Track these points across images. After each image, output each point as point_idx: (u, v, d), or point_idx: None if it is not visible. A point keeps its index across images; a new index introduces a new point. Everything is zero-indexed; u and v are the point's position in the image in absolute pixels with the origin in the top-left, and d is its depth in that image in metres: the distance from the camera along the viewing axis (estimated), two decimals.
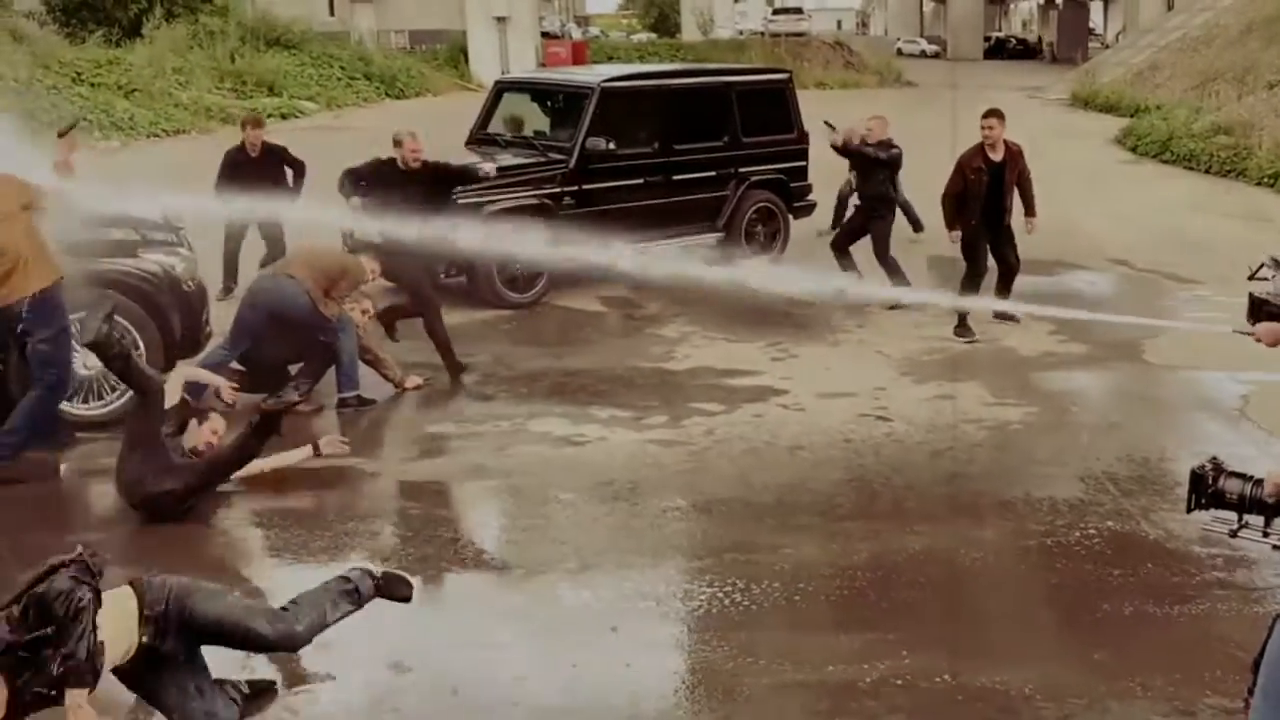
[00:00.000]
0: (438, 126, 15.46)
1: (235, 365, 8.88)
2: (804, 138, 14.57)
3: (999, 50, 76.61)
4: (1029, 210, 11.17)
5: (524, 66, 40.63)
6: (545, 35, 53.95)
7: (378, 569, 5.47)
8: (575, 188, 12.33)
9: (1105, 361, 10.52)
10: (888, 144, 12.40)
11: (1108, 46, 60.88)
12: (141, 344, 8.44)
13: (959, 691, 5.24)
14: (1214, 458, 4.65)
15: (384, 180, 10.30)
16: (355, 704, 5.18)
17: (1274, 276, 5.98)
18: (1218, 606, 6.07)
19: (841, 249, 12.52)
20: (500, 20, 45.56)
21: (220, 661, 4.94)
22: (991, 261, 11.14)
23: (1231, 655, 5.26)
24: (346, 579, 5.20)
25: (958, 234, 10.95)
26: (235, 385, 8.01)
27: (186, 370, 7.53)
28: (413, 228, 9.14)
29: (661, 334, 11.06)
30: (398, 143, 10.37)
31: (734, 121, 13.83)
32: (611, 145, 12.55)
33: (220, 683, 4.86)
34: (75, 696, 4.10)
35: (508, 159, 12.56)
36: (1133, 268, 14.05)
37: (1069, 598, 6.25)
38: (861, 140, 12.34)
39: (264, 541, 6.89)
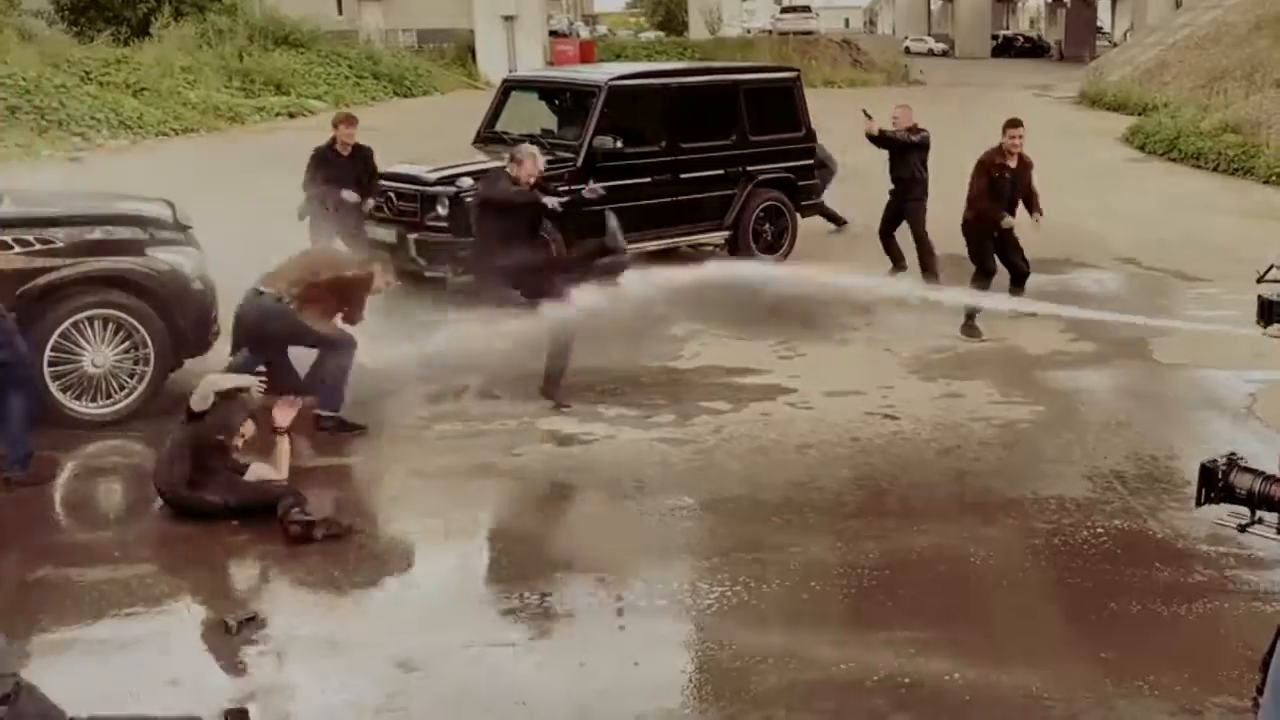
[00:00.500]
0: (445, 125, 15.47)
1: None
2: (811, 136, 14.57)
3: (1007, 48, 76.53)
4: (1034, 209, 11.23)
5: (532, 65, 40.58)
6: (553, 34, 53.86)
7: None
8: (582, 185, 12.30)
9: (1113, 360, 10.52)
10: (916, 129, 12.90)
11: (1115, 45, 60.76)
12: (150, 342, 8.46)
13: (966, 690, 5.24)
14: (1232, 453, 4.65)
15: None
16: (364, 703, 5.19)
17: None
18: (1226, 605, 6.07)
19: (887, 235, 13.23)
20: (508, 19, 45.51)
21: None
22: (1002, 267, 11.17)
23: (1240, 654, 5.25)
24: None
25: (1011, 220, 11.00)
26: (264, 383, 7.84)
27: (214, 378, 7.42)
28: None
29: (669, 332, 11.06)
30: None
31: (741, 120, 13.82)
32: (619, 144, 12.54)
33: None
34: None
35: None
36: (1140, 266, 14.03)
37: (1076, 596, 6.25)
38: (882, 129, 12.84)
39: (279, 543, 6.88)
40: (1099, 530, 6.93)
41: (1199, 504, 4.74)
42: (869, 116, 12.72)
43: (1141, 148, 25.98)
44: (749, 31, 65.50)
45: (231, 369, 8.28)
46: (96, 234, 8.55)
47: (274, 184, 13.85)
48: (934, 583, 6.38)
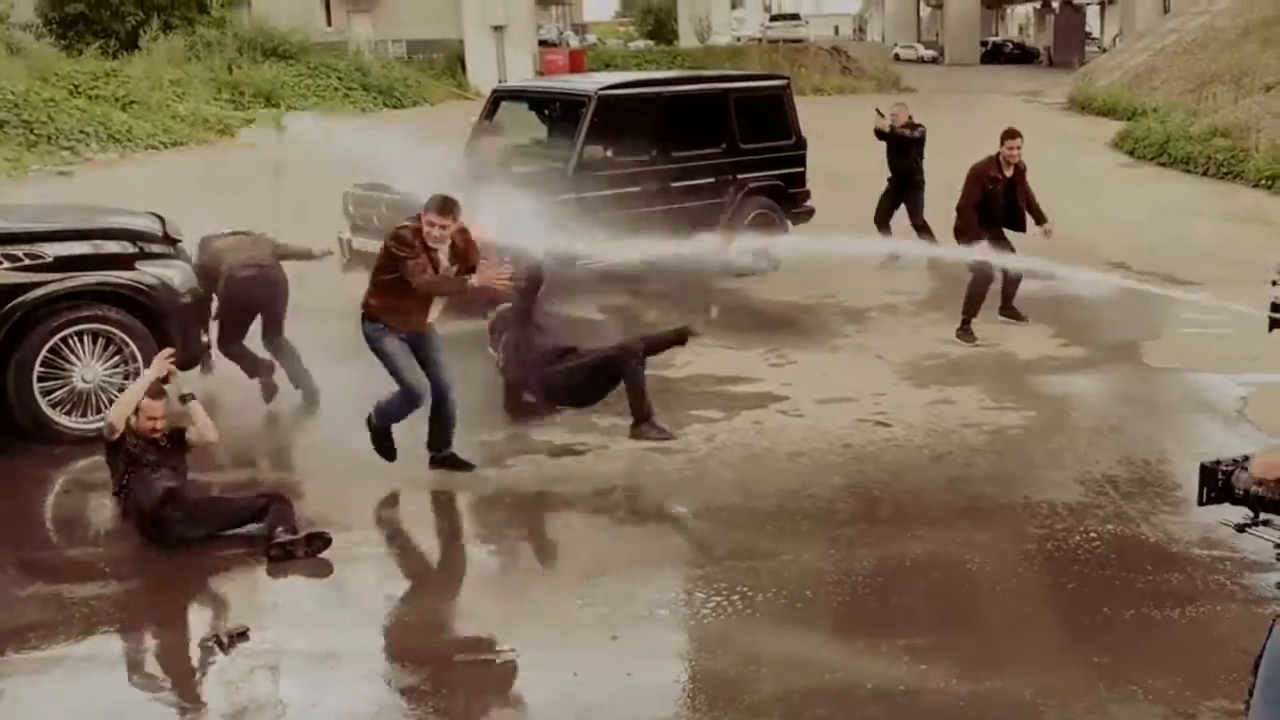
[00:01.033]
0: (435, 135, 15.44)
1: None
2: (802, 143, 14.57)
3: (996, 55, 76.60)
4: (1040, 219, 11.25)
5: (521, 75, 40.58)
6: (542, 43, 53.92)
7: None
8: (573, 196, 12.29)
9: (1104, 364, 10.52)
10: (913, 124, 14.54)
11: (1104, 50, 60.81)
12: (140, 357, 8.44)
13: (961, 697, 5.23)
14: (1246, 456, 4.65)
15: None
16: (356, 714, 5.17)
17: None
18: (1218, 609, 6.07)
19: (883, 224, 14.49)
20: (497, 29, 45.56)
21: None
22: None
23: (1233, 657, 5.24)
24: None
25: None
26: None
27: (115, 410, 7.27)
28: None
29: None
30: None
31: (732, 128, 13.82)
32: (609, 153, 12.54)
33: None
34: None
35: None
36: (1131, 271, 14.04)
37: (1070, 601, 6.26)
38: (891, 126, 14.43)
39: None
40: (1091, 535, 6.93)
41: (1201, 503, 4.75)
42: (881, 114, 14.50)
43: (1131, 153, 26.03)
44: (739, 40, 65.55)
45: None
46: (85, 248, 8.54)
47: (264, 197, 13.83)
48: (927, 589, 6.38)
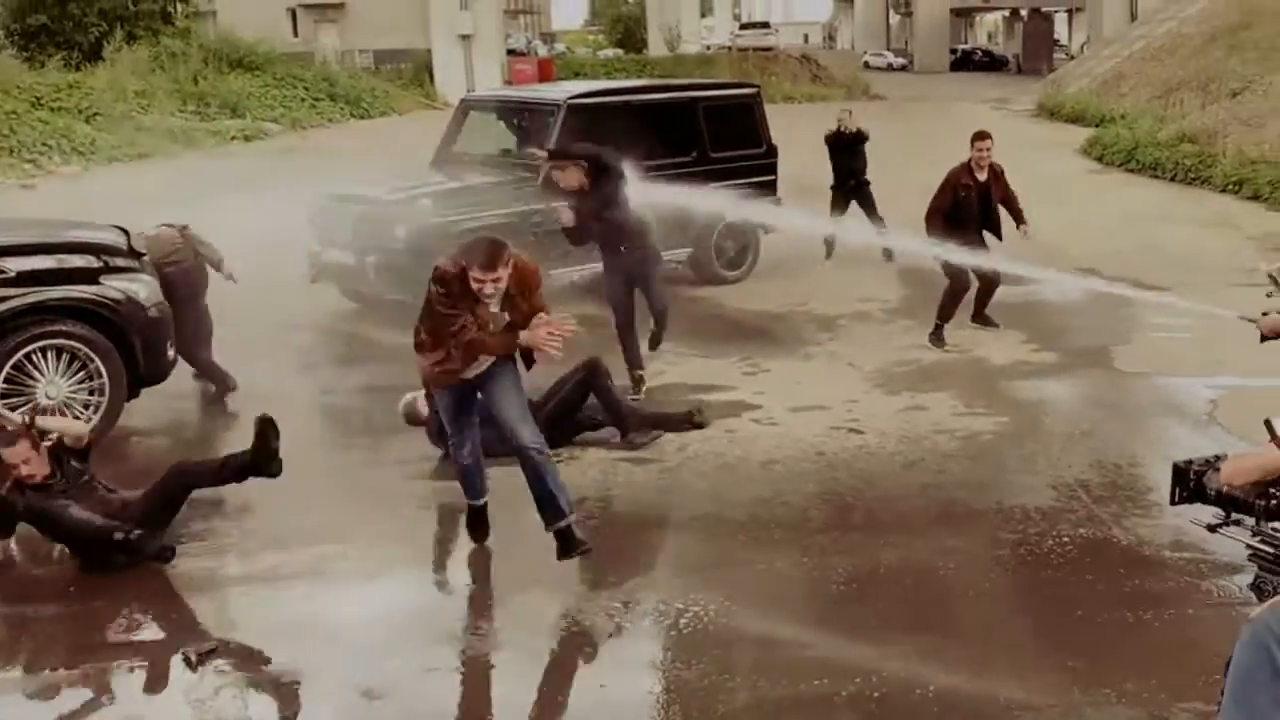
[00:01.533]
0: (403, 146, 15.43)
1: None
2: (773, 152, 14.56)
3: (965, 62, 76.99)
4: (1019, 219, 11.29)
5: (490, 84, 40.60)
6: (511, 53, 53.93)
7: None
8: (543, 205, 12.24)
9: (1076, 369, 10.55)
10: (859, 129, 15.39)
11: (1072, 57, 61.19)
12: (105, 372, 8.35)
13: (935, 703, 5.21)
14: (1218, 456, 4.66)
15: None
16: None
17: None
18: (1191, 611, 6.07)
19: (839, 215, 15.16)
20: (465, 38, 45.54)
21: None
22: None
23: (1206, 659, 5.21)
24: None
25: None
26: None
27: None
28: None
29: None
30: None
31: (702, 137, 13.80)
32: (580, 163, 12.48)
33: None
34: None
35: (475, 178, 12.52)
36: (1101, 276, 14.09)
37: (1043, 606, 6.26)
38: (841, 129, 15.27)
39: (219, 574, 6.80)
40: (1064, 539, 6.93)
41: (1173, 503, 4.75)
42: (849, 113, 15.77)
43: (1100, 159, 26.17)
44: (708, 48, 65.79)
45: None
46: (49, 263, 8.42)
47: (233, 208, 13.78)
48: (901, 596, 6.36)
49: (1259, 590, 4.71)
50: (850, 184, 15.16)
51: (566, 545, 6.39)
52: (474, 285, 5.96)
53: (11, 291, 8.13)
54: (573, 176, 9.46)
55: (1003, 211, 11.29)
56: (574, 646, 5.83)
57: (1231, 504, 4.64)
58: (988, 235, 11.24)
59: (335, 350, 11.62)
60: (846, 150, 15.19)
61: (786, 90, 47.90)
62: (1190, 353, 10.57)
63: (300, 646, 5.83)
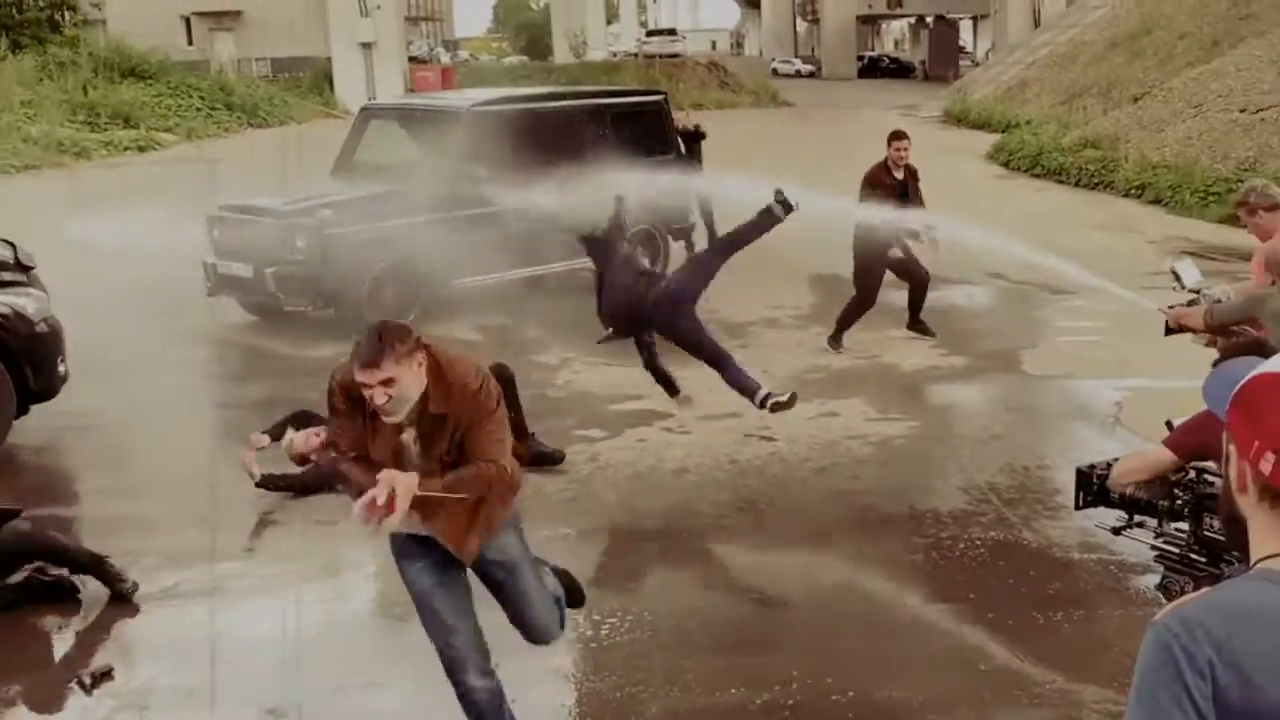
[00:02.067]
0: (303, 155, 15.22)
1: None
2: (682, 158, 14.51)
3: (873, 69, 77.65)
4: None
5: (391, 92, 40.12)
6: (413, 60, 53.45)
7: None
8: (446, 214, 12.12)
9: (985, 373, 10.62)
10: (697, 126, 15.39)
11: (978, 64, 62.03)
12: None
13: (850, 709, 5.20)
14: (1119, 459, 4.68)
15: None
16: None
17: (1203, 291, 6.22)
18: (1100, 611, 6.14)
19: None
20: (366, 46, 44.96)
21: None
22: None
23: (1116, 659, 5.27)
24: None
25: (897, 251, 10.97)
26: None
27: None
28: None
29: (541, 360, 10.91)
30: None
31: (610, 144, 13.70)
32: (483, 170, 12.37)
33: None
34: None
35: (377, 187, 12.34)
36: (1008, 280, 14.21)
37: (956, 609, 6.26)
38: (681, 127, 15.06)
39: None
40: (975, 542, 6.96)
41: (1078, 507, 4.76)
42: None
43: (1006, 164, 26.48)
44: (615, 55, 65.66)
45: None
46: None
47: (125, 220, 13.47)
48: (816, 602, 6.37)
49: (1166, 591, 4.72)
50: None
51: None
52: (365, 392, 4.13)
53: None
54: None
55: None
56: None
57: (1135, 506, 4.65)
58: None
59: (234, 364, 11.43)
60: (690, 145, 15.16)
61: (695, 97, 47.80)
62: (1096, 355, 10.68)
63: (201, 666, 5.68)
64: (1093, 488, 4.73)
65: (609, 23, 76.38)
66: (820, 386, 10.15)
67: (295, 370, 10.59)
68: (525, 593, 4.75)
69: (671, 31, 70.01)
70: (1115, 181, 21.78)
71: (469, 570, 4.64)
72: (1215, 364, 4.62)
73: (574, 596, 5.23)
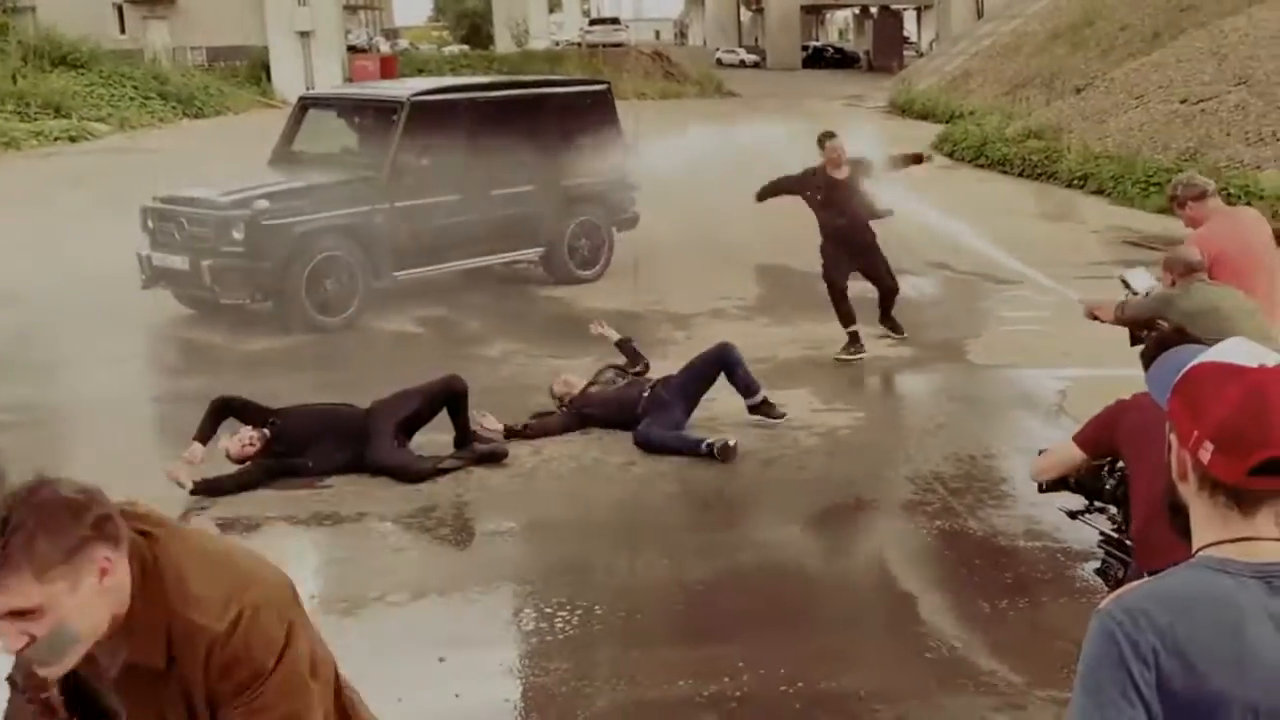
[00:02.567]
0: (239, 146, 15.03)
1: None
2: (625, 149, 14.43)
3: (817, 59, 77.78)
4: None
5: (330, 82, 39.78)
6: (352, 49, 52.97)
7: None
8: (387, 205, 12.00)
9: (931, 363, 10.63)
10: None
11: (922, 54, 62.32)
12: None
13: (796, 699, 5.19)
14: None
15: None
16: None
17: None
18: (1045, 599, 6.14)
19: None
20: (303, 35, 44.47)
21: None
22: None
23: (1061, 647, 5.28)
24: None
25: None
26: None
27: None
28: None
29: (483, 354, 10.81)
30: None
31: (552, 134, 13.62)
32: (424, 161, 12.26)
33: None
34: None
35: (315, 177, 12.20)
36: (954, 270, 14.26)
37: (902, 598, 6.28)
38: None
39: None
40: (921, 531, 6.97)
41: (1041, 490, 4.76)
42: None
43: (950, 154, 26.55)
44: (557, 44, 65.30)
45: None
46: None
47: (57, 212, 13.28)
48: (761, 594, 6.35)
49: (1105, 575, 4.74)
50: None
51: None
52: None
53: None
54: None
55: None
56: (427, 656, 5.65)
57: (1095, 492, 4.66)
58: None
59: (169, 357, 11.28)
60: None
61: (638, 87, 47.77)
62: (1040, 345, 10.72)
63: None
64: None
65: (551, 11, 76.09)
66: (767, 377, 10.06)
67: (232, 364, 10.45)
68: None
69: (615, 21, 69.82)
70: (1058, 172, 21.92)
71: None
72: (1142, 355, 4.64)
73: None
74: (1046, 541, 6.61)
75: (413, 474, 7.74)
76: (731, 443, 8.00)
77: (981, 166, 24.68)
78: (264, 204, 11.29)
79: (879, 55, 70.38)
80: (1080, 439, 4.46)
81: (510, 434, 8.40)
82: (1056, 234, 16.54)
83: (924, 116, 35.23)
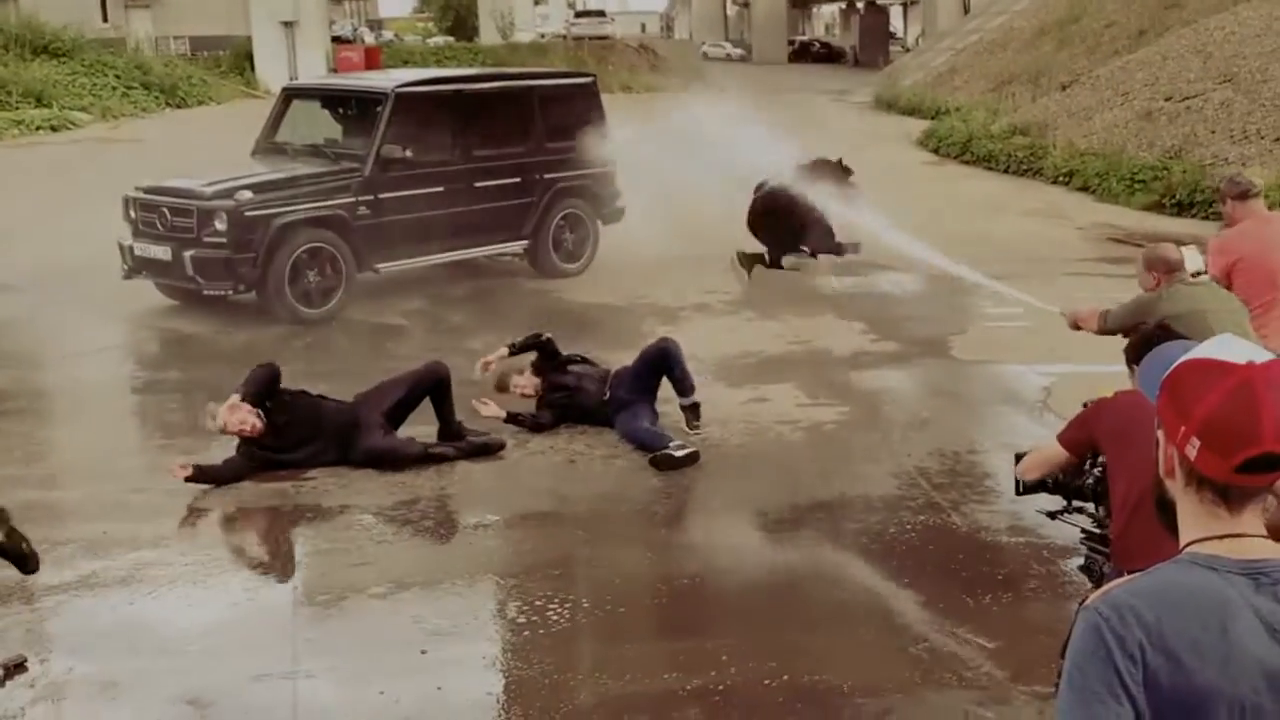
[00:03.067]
0: (223, 136, 14.96)
1: None
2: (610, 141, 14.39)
3: (803, 54, 77.82)
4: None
5: (314, 72, 39.50)
6: (336, 40, 52.67)
7: None
8: (371, 197, 11.96)
9: (915, 359, 10.64)
10: None
11: (908, 50, 62.34)
12: None
13: (780, 693, 5.19)
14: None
15: None
16: None
17: None
18: (1028, 595, 6.16)
19: None
20: (287, 25, 44.13)
21: None
22: None
23: (1044, 642, 5.27)
24: None
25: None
26: None
27: None
28: None
29: (467, 346, 10.75)
30: None
31: (537, 126, 13.58)
32: (408, 152, 12.21)
33: None
34: None
35: (298, 168, 12.16)
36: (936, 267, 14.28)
37: (886, 592, 6.27)
38: None
39: (31, 582, 6.44)
40: (905, 526, 6.97)
41: (1019, 492, 4.77)
42: None
43: (935, 151, 26.58)
44: (543, 36, 65.06)
45: None
46: None
47: (39, 202, 13.22)
48: (745, 588, 6.35)
49: (1089, 571, 4.75)
50: None
51: None
52: None
53: None
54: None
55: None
56: (409, 649, 5.62)
57: (1074, 492, 4.66)
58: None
59: (151, 348, 11.23)
60: None
61: (624, 80, 47.63)
62: (1024, 341, 10.72)
63: (121, 656, 5.59)
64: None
65: (537, 3, 75.81)
66: (751, 372, 10.12)
67: (212, 355, 10.41)
68: None
69: (601, 13, 69.53)
70: (1044, 168, 21.94)
71: None
72: (1126, 350, 4.64)
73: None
74: (1030, 537, 6.61)
75: (403, 458, 7.72)
76: (692, 450, 7.95)
77: (967, 163, 24.68)
78: (247, 194, 11.25)
79: (865, 50, 70.36)
80: (1064, 439, 4.48)
81: (511, 420, 8.41)
82: (1041, 230, 16.57)
83: (910, 112, 35.22)
